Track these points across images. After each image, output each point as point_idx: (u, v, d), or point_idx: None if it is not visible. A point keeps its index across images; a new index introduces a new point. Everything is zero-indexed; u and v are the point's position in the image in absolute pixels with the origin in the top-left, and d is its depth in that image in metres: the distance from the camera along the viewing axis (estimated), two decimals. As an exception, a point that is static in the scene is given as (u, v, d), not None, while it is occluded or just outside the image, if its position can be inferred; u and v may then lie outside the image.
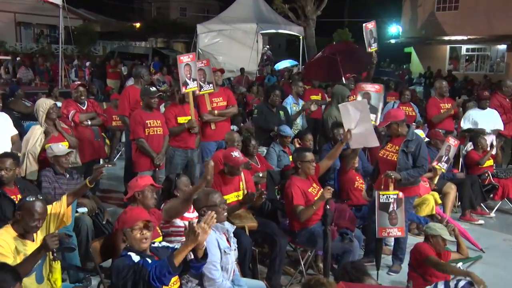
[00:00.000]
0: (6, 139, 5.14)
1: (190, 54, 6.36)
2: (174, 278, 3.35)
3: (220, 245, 3.70)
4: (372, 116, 6.10)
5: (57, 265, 3.54)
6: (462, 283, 3.98)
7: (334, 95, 7.62)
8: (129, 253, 3.22)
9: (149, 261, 3.13)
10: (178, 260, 2.98)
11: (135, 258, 3.17)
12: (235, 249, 3.99)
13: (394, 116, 5.33)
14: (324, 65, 9.91)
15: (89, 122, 6.65)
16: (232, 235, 4.01)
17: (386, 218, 5.07)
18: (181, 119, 6.51)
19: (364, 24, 8.20)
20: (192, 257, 3.17)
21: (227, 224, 3.98)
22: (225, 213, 3.90)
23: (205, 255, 3.20)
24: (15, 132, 5.39)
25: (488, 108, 8.15)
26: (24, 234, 3.57)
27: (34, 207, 3.52)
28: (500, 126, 8.15)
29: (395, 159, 5.26)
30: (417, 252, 4.56)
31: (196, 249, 3.09)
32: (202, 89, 6.56)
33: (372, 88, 6.67)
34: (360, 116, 5.55)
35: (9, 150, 5.10)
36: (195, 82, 6.36)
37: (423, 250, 4.48)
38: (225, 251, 3.74)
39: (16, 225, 3.56)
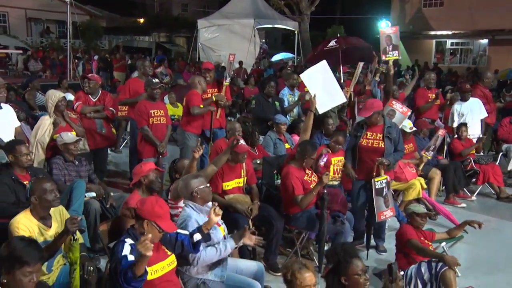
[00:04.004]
0: (11, 130, 5.06)
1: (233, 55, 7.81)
2: (171, 258, 3.34)
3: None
4: None
5: (77, 245, 3.54)
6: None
7: None
8: (126, 239, 3.17)
9: (131, 258, 3.05)
10: (138, 269, 2.92)
11: (126, 249, 3.10)
12: (221, 224, 3.99)
13: (377, 106, 5.31)
14: (325, 54, 9.88)
15: (92, 114, 6.59)
16: None
17: (382, 202, 5.14)
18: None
19: (380, 29, 7.29)
20: (200, 237, 3.41)
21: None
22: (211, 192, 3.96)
23: (209, 235, 3.51)
24: (18, 123, 5.30)
25: (470, 98, 8.15)
26: (43, 218, 3.59)
27: (44, 183, 3.58)
28: (484, 113, 8.16)
29: (382, 146, 5.23)
30: (400, 234, 4.57)
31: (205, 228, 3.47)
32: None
33: (400, 108, 6.63)
34: (322, 78, 5.59)
35: None
36: (229, 79, 7.42)
37: (405, 232, 4.47)
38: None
39: (34, 211, 3.58)
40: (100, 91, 6.78)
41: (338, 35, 11.36)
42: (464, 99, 8.17)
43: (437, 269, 3.94)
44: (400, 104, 6.78)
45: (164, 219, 3.20)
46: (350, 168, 5.41)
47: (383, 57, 6.86)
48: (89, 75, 7.31)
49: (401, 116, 6.64)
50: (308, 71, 5.87)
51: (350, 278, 3.15)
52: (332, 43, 9.53)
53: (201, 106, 6.65)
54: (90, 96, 6.63)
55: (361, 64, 7.93)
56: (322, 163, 4.93)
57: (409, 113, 6.79)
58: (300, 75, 6.00)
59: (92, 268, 3.47)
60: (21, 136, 5.17)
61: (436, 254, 4.24)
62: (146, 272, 2.98)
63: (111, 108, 6.74)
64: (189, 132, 6.67)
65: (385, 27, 6.96)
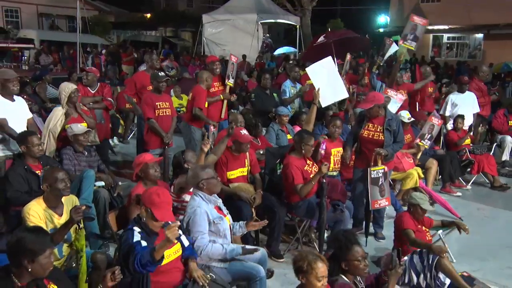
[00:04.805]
0: (23, 122, 5.05)
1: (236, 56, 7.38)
2: (177, 246, 3.33)
3: (209, 216, 3.68)
4: None
5: (82, 233, 3.57)
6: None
7: None
8: (134, 227, 3.17)
9: (144, 244, 3.05)
10: (158, 254, 2.93)
11: (136, 236, 3.10)
12: (227, 214, 3.99)
13: (378, 100, 5.28)
14: (320, 49, 9.81)
15: (91, 105, 6.48)
16: (222, 205, 4.00)
17: (377, 191, 5.13)
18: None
19: (412, 15, 7.04)
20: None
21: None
22: (220, 184, 3.89)
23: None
24: (31, 115, 5.29)
25: (467, 92, 8.12)
26: (54, 206, 3.61)
27: (56, 172, 3.61)
28: (476, 108, 8.15)
29: (382, 138, 5.22)
30: (398, 222, 4.53)
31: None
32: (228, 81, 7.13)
33: (395, 95, 6.63)
34: (327, 72, 5.57)
35: None
36: (233, 79, 7.14)
37: (403, 221, 4.42)
38: (214, 221, 3.70)
39: (46, 198, 3.61)
40: (98, 84, 6.77)
41: (329, 29, 11.28)
42: (461, 91, 8.13)
43: (430, 261, 3.93)
44: (394, 92, 6.78)
45: (159, 208, 3.15)
46: (347, 152, 5.41)
47: (400, 42, 6.78)
48: (87, 67, 7.29)
49: (396, 102, 6.64)
50: (314, 66, 5.86)
51: (350, 264, 3.17)
52: (321, 38, 9.46)
53: (206, 104, 6.61)
54: (88, 88, 6.61)
55: (348, 55, 7.92)
56: (322, 151, 4.92)
57: (403, 99, 6.77)
58: (306, 69, 6.00)
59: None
60: (33, 128, 5.15)
61: (425, 244, 4.20)
62: (163, 257, 2.98)
63: (109, 99, 6.70)
64: (193, 126, 6.64)
65: (419, 16, 6.87)
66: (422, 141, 6.79)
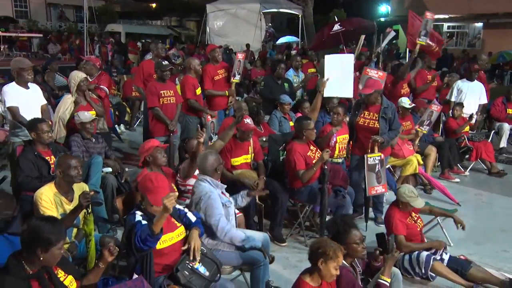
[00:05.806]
0: (37, 109, 5.07)
1: (243, 53, 7.17)
2: (180, 230, 3.32)
3: (221, 199, 3.68)
4: None
5: (91, 218, 3.59)
6: (423, 255, 3.97)
7: (320, 67, 7.67)
8: (136, 211, 3.17)
9: (144, 222, 3.04)
10: (156, 226, 2.92)
11: (138, 217, 3.10)
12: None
13: (377, 86, 5.23)
14: (331, 39, 9.75)
15: None
16: (225, 191, 3.96)
17: (374, 178, 5.10)
18: (198, 91, 6.55)
19: (425, 13, 7.24)
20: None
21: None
22: (220, 175, 3.88)
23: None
24: (45, 102, 5.30)
25: (475, 81, 8.01)
26: (65, 192, 3.63)
27: (69, 159, 3.64)
28: (484, 100, 8.04)
29: (377, 126, 5.18)
30: (388, 221, 4.29)
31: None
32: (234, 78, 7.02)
33: (375, 74, 6.54)
34: (342, 68, 5.50)
35: None
36: (239, 76, 7.05)
37: (393, 225, 4.18)
38: (225, 205, 3.70)
39: (58, 184, 3.63)
40: (98, 72, 6.72)
41: (336, 18, 11.15)
42: (470, 79, 8.00)
43: (422, 270, 3.91)
44: (374, 70, 6.67)
45: (154, 193, 3.12)
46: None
47: (416, 40, 6.82)
48: (85, 56, 7.20)
49: (380, 80, 6.55)
50: (333, 56, 5.79)
51: (349, 247, 3.19)
52: (337, 27, 9.32)
53: (198, 91, 6.53)
54: (88, 77, 6.54)
55: (363, 36, 7.83)
56: (333, 143, 4.91)
57: (385, 76, 6.70)
58: (325, 56, 5.90)
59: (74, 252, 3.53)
60: (47, 114, 5.18)
61: (418, 247, 4.13)
62: (161, 231, 2.98)
63: (102, 86, 6.65)
64: (189, 116, 6.57)
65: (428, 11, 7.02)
66: (421, 127, 6.79)
